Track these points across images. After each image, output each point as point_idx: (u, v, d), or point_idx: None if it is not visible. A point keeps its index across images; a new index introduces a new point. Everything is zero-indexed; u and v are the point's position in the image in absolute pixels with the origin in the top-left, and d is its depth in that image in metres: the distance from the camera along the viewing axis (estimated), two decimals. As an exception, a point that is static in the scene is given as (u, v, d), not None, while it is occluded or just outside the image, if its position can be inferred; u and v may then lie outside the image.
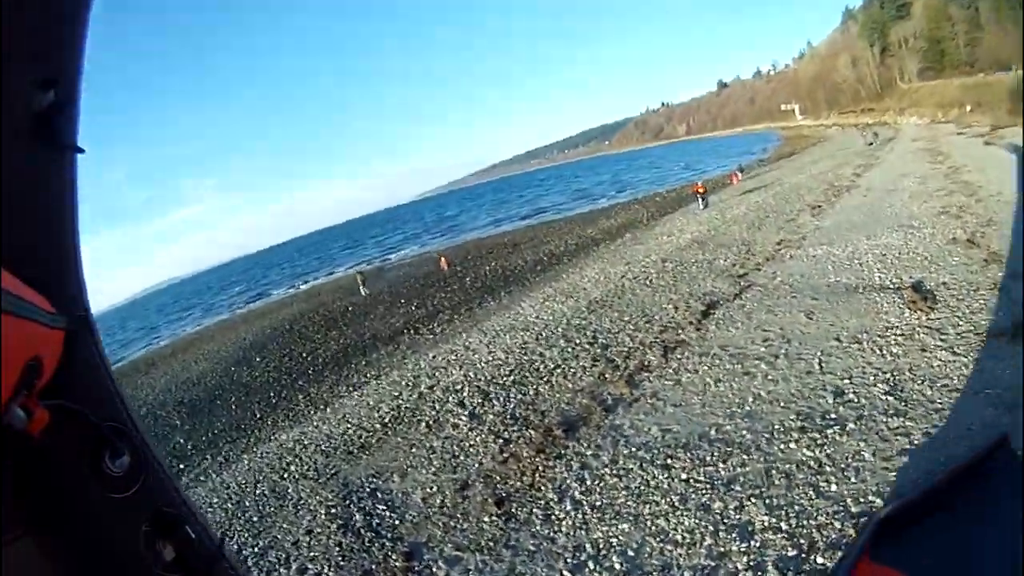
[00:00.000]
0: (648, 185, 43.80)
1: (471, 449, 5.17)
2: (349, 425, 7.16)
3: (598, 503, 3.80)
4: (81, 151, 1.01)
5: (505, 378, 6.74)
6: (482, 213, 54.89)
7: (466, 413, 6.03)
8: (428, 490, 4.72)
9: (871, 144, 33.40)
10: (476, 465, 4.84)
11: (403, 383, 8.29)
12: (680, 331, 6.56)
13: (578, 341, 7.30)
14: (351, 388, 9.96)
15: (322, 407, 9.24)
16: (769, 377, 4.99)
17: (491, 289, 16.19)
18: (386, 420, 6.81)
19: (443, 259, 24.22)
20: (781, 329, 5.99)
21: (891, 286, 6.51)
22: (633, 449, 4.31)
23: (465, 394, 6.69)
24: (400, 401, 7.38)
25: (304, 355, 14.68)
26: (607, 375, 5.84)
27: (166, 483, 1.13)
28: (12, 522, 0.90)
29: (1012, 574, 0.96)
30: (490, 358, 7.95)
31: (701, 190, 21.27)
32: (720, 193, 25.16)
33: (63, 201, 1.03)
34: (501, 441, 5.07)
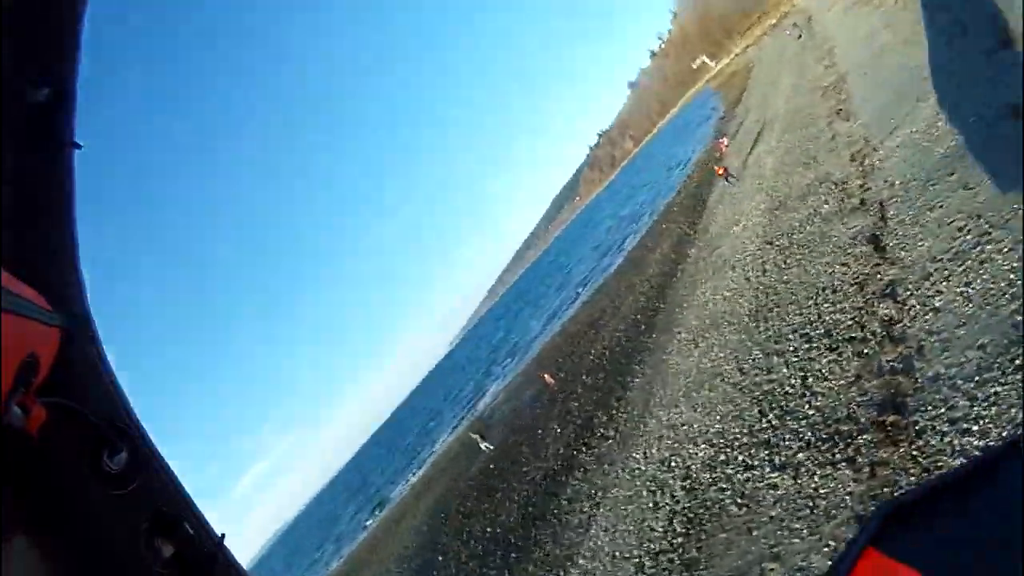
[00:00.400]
0: (652, 203, 44.36)
1: (821, 491, 5.29)
2: (635, 557, 7.21)
3: (1013, 437, 4.01)
4: (79, 147, 1.04)
5: (765, 421, 6.88)
6: (530, 321, 53.89)
7: (768, 468, 6.17)
8: (827, 547, 4.83)
9: (800, 37, 34.04)
10: (846, 496, 4.97)
11: (641, 493, 8.42)
12: (877, 276, 6.85)
13: (792, 348, 7.50)
14: (580, 528, 9.70)
15: (569, 561, 9.03)
16: (1005, 251, 5.31)
17: (620, 371, 15.97)
18: (678, 531, 6.87)
19: (545, 375, 23.35)
20: (959, 212, 6.34)
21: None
22: (979, 377, 4.52)
23: (740, 458, 6.83)
24: (667, 505, 7.49)
25: (488, 530, 14.35)
26: (863, 350, 6.08)
27: (165, 481, 1.16)
28: (11, 520, 0.93)
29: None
30: (717, 418, 8.10)
31: (721, 171, 21.82)
32: (725, 163, 25.74)
33: (61, 197, 1.06)
34: (844, 464, 5.21)
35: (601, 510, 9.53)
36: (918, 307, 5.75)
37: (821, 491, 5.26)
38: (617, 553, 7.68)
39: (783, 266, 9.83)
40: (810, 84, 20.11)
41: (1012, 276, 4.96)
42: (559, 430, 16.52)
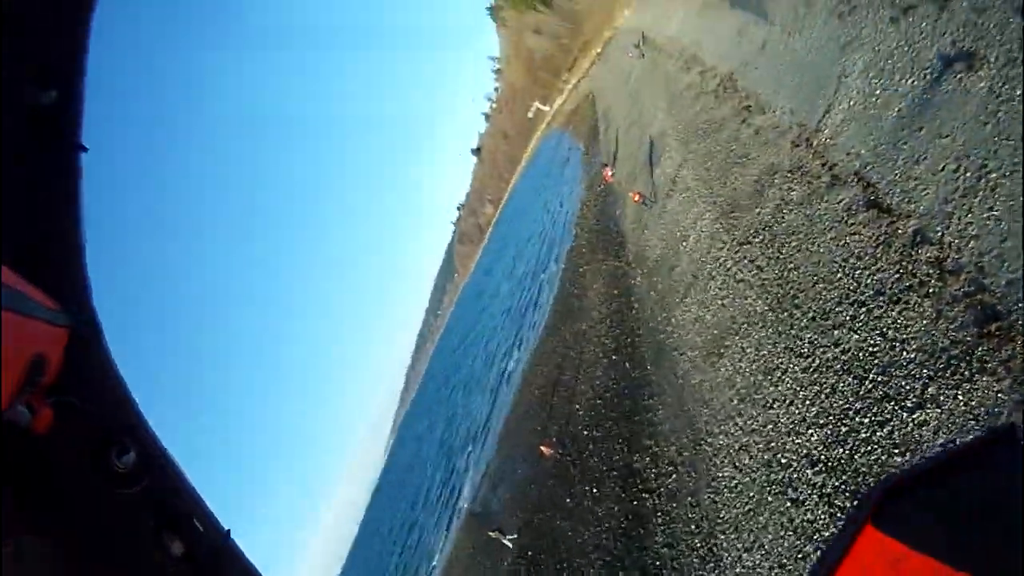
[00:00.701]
0: (551, 251, 45.66)
1: (972, 402, 6.31)
2: (813, 552, 7.72)
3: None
4: (85, 149, 1.23)
5: (868, 383, 7.93)
6: (471, 404, 50.89)
7: (905, 414, 7.10)
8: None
9: (643, 56, 38.18)
10: (998, 395, 6.04)
11: (764, 500, 9.04)
12: (898, 231, 8.43)
13: (849, 316, 8.74)
14: (709, 563, 9.93)
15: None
16: (1008, 174, 6.99)
17: (629, 411, 16.47)
18: (847, 506, 7.53)
19: (542, 447, 22.75)
20: (946, 158, 8.04)
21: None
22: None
23: (864, 421, 7.73)
24: (812, 495, 8.14)
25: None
26: (928, 291, 7.48)
27: (174, 478, 1.39)
28: (17, 520, 1.02)
29: (1010, 556, 1.08)
30: (806, 403, 9.01)
31: (637, 197, 23.29)
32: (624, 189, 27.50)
33: (68, 199, 1.27)
34: (977, 374, 6.36)
35: (723, 536, 9.87)
36: (956, 240, 7.37)
37: (972, 402, 6.35)
38: (784, 561, 8.09)
39: (780, 256, 11.38)
40: (688, 92, 23.16)
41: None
42: (595, 490, 16.52)
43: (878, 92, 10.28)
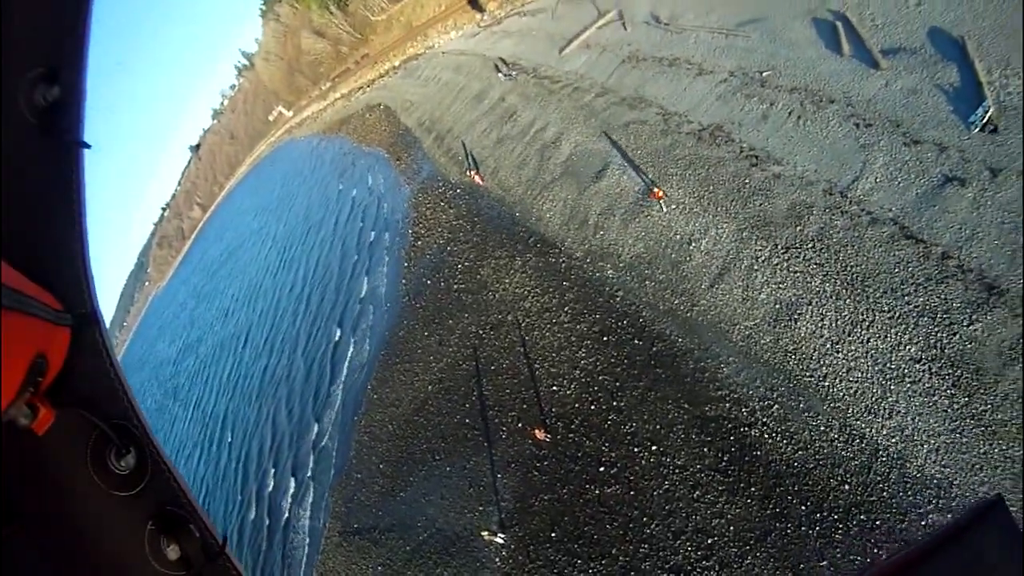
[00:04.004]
0: (371, 243, 52.19)
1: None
2: None
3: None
4: (87, 146, 1.33)
5: (938, 314, 22.67)
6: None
7: (966, 324, 22.20)
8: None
9: (512, 76, 50.38)
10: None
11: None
12: (930, 253, 23.51)
13: (912, 280, 23.38)
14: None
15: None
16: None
17: (677, 375, 24.69)
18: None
19: (535, 431, 26.48)
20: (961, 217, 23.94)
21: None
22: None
23: (941, 331, 22.59)
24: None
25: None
26: (944, 265, 22.74)
27: (172, 481, 1.56)
28: (16, 520, 1.21)
29: None
30: (902, 332, 23.49)
31: (660, 194, 28.62)
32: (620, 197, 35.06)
33: (69, 197, 1.37)
34: (993, 303, 21.78)
35: (858, 422, 19.99)
36: (967, 257, 21.71)
37: (996, 321, 20.89)
38: (923, 411, 21.93)
39: (840, 259, 24.27)
40: (643, 128, 33.77)
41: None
42: (654, 447, 22.94)
43: (899, 180, 23.79)
